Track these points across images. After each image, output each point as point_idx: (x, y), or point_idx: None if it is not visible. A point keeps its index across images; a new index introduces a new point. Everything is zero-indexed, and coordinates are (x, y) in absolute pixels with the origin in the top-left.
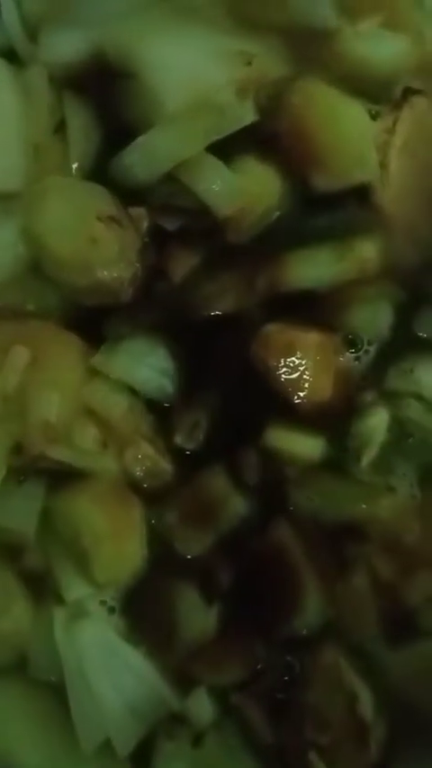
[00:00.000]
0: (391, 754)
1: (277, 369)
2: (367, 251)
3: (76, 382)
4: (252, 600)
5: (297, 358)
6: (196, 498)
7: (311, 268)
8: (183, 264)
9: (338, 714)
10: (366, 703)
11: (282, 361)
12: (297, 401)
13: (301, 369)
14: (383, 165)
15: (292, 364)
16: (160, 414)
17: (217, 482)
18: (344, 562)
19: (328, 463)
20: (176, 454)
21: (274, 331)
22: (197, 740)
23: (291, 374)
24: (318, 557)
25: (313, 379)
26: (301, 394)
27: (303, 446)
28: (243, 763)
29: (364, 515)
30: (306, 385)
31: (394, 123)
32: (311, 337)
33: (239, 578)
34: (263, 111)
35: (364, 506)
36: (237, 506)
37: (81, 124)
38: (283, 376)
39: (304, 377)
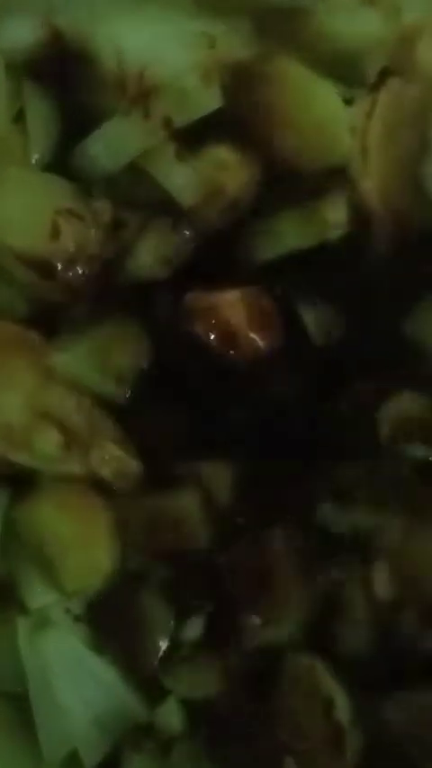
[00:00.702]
0: (367, 764)
1: (207, 335)
2: (334, 213)
3: (36, 383)
4: (228, 608)
5: (221, 318)
6: (162, 511)
7: (276, 237)
8: (145, 259)
9: (314, 720)
10: (343, 709)
11: (209, 325)
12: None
13: (230, 327)
14: (363, 151)
15: (220, 326)
16: (124, 412)
17: (185, 502)
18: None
19: None
20: (147, 455)
21: (192, 300)
22: (166, 749)
23: (224, 337)
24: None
25: (249, 336)
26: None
27: None
28: None
29: None
30: (243, 343)
31: (372, 107)
32: (228, 295)
33: (214, 583)
34: (230, 95)
35: None
36: (200, 531)
37: (41, 113)
38: (216, 341)
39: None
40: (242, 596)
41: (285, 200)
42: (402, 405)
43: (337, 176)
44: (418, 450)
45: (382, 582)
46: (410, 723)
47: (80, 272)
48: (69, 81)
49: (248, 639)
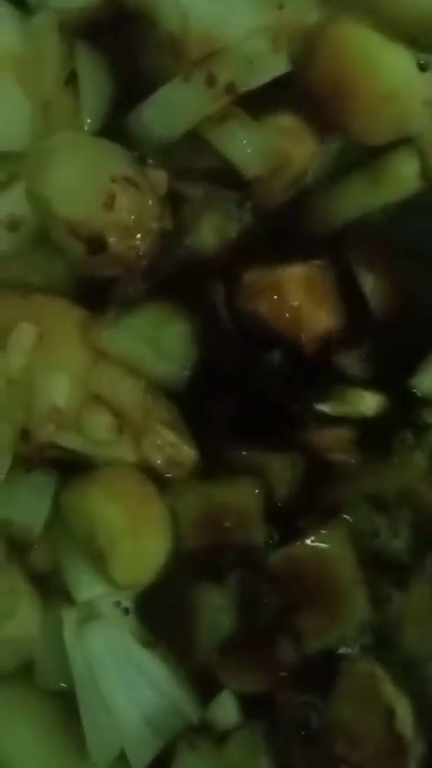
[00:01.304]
0: None
1: (271, 315)
2: (405, 168)
3: (86, 363)
4: (287, 607)
5: (287, 297)
6: (219, 505)
7: (345, 201)
8: (204, 234)
9: (373, 730)
10: (405, 719)
11: (272, 304)
12: (302, 341)
13: (295, 306)
14: None
15: (284, 305)
16: (179, 397)
17: (242, 492)
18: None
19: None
20: (204, 442)
21: (253, 277)
22: (221, 745)
23: (286, 315)
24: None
25: (311, 313)
26: (308, 333)
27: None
28: None
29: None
30: (308, 322)
31: None
32: (293, 270)
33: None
34: (297, 60)
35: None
36: (257, 531)
37: (94, 76)
38: (278, 320)
39: (303, 313)
40: (298, 596)
41: (353, 168)
42: None
43: (406, 147)
44: None
45: None
46: None
47: (134, 246)
48: (125, 42)
49: (300, 640)
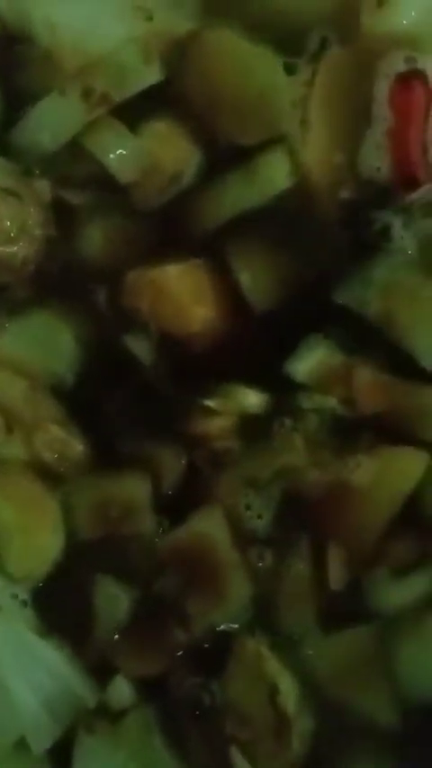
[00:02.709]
0: (323, 750)
1: (153, 314)
2: (275, 169)
3: None
4: (173, 589)
5: (165, 294)
6: (109, 497)
7: (218, 202)
8: (87, 239)
9: (259, 707)
10: (288, 695)
11: (153, 303)
12: (188, 338)
13: (173, 302)
14: (304, 121)
15: (164, 303)
16: (68, 396)
17: (132, 485)
18: (285, 547)
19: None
20: (93, 438)
21: (134, 277)
22: (117, 727)
23: (165, 312)
24: (251, 545)
25: (192, 309)
26: (189, 328)
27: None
28: (163, 753)
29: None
30: (188, 318)
31: (313, 76)
32: (171, 268)
33: (159, 568)
34: (169, 68)
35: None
36: (147, 520)
37: None
38: (161, 318)
39: (183, 311)
40: (184, 580)
41: (226, 170)
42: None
43: (277, 147)
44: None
45: (336, 570)
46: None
47: (19, 253)
48: (6, 62)
49: (189, 622)
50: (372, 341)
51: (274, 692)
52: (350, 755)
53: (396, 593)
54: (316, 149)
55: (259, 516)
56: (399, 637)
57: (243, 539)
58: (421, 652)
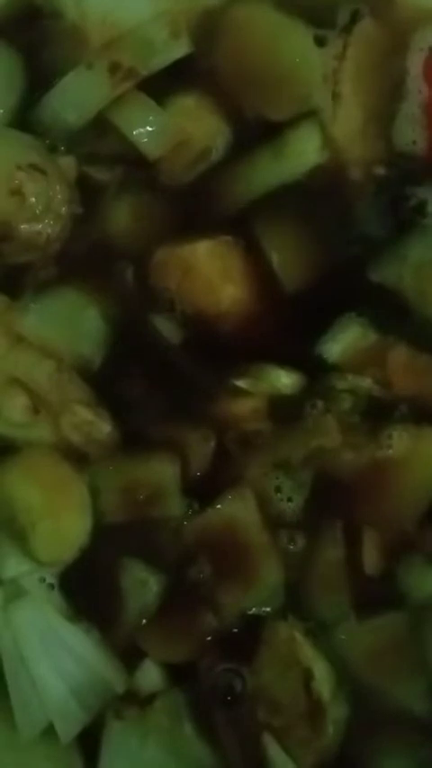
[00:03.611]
0: (356, 737)
1: (182, 292)
2: (306, 143)
3: (2, 347)
4: (202, 573)
5: (195, 273)
6: (137, 480)
7: (249, 179)
8: (116, 216)
9: (293, 693)
10: (322, 681)
11: (181, 281)
12: (217, 318)
13: (205, 282)
14: (335, 95)
15: (193, 281)
16: (95, 377)
17: (161, 468)
18: (316, 532)
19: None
20: (122, 421)
21: (162, 255)
22: (146, 712)
23: (196, 290)
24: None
25: (222, 288)
26: (218, 308)
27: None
28: (193, 739)
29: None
30: (218, 297)
31: (344, 49)
32: (201, 246)
33: (188, 551)
34: (198, 42)
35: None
36: (175, 503)
37: (3, 69)
38: (190, 297)
39: (212, 289)
40: (212, 562)
41: (256, 145)
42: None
43: (308, 121)
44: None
45: (371, 555)
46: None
47: (44, 231)
48: (33, 36)
49: (219, 606)
50: (407, 320)
51: (308, 677)
52: (383, 743)
53: (430, 580)
54: (348, 123)
55: (289, 499)
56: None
57: (273, 522)
58: None
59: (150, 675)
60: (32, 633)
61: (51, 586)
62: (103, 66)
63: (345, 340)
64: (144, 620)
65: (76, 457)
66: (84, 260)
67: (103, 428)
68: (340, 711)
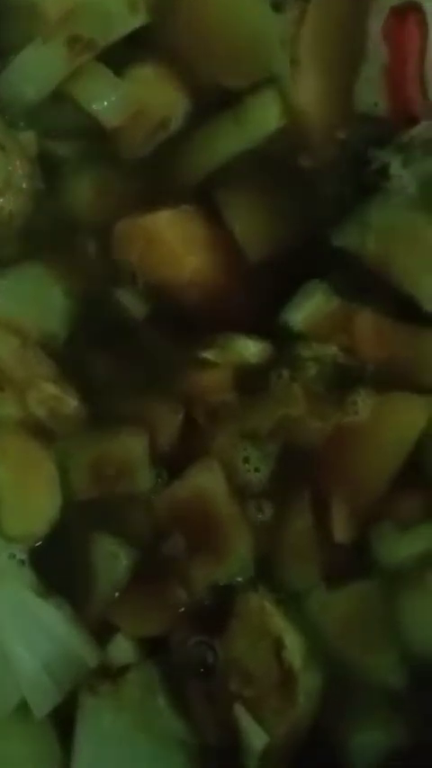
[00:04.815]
0: (329, 707)
1: (144, 264)
2: (267, 107)
3: None
4: (173, 546)
5: (156, 243)
6: (105, 455)
7: (209, 147)
8: (76, 190)
9: (264, 664)
10: (294, 650)
11: (143, 253)
12: (181, 290)
13: (167, 252)
14: (294, 61)
15: (156, 252)
16: (60, 353)
17: (129, 442)
18: (286, 500)
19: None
20: (88, 396)
21: (123, 227)
22: (119, 686)
23: (159, 261)
24: (250, 499)
25: (185, 259)
26: (181, 279)
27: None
28: (167, 712)
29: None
30: (181, 268)
31: (302, 14)
32: (162, 216)
33: (158, 524)
34: (155, 11)
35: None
36: (144, 477)
37: None
38: (152, 268)
39: (175, 259)
40: (182, 535)
41: (215, 114)
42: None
43: (267, 88)
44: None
45: (340, 523)
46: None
47: (5, 207)
48: None
49: (190, 578)
50: (372, 286)
51: (279, 647)
52: (356, 712)
53: (401, 547)
54: (308, 89)
55: (256, 469)
56: (404, 592)
57: (241, 492)
58: (426, 608)
59: (122, 649)
60: (3, 609)
61: (22, 562)
62: (61, 39)
63: (309, 307)
64: (116, 594)
65: (44, 433)
66: (46, 235)
67: (70, 403)
68: (312, 681)
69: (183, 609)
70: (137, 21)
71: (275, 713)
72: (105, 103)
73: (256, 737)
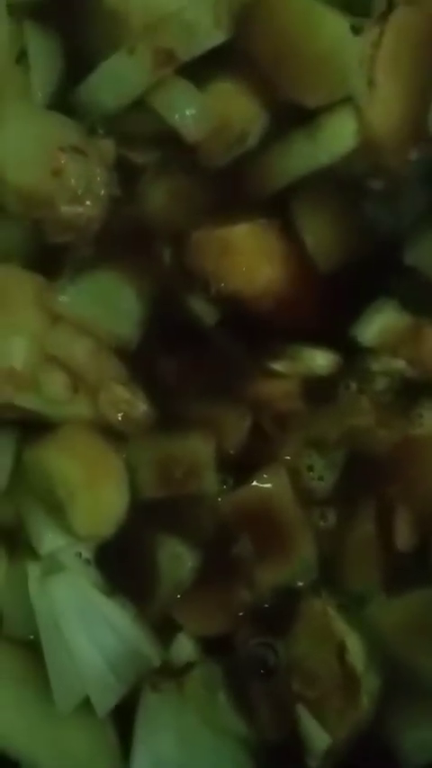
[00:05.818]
0: (386, 709)
1: (218, 273)
2: (342, 126)
3: (42, 325)
4: (237, 549)
5: (232, 254)
6: (173, 457)
7: (284, 163)
8: (153, 198)
9: (327, 666)
10: (356, 653)
11: (219, 262)
12: (253, 299)
13: (242, 262)
14: (370, 82)
15: (231, 262)
16: (132, 356)
17: (196, 445)
18: (350, 508)
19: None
20: (158, 399)
21: (201, 236)
22: (182, 684)
23: (233, 271)
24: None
25: (258, 269)
26: (254, 289)
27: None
28: (228, 711)
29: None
30: (254, 278)
31: (380, 36)
32: (239, 228)
33: (223, 527)
34: (237, 27)
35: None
36: (211, 480)
37: (43, 52)
38: (226, 277)
39: (249, 270)
40: (248, 539)
41: (292, 130)
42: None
43: (343, 107)
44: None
45: (403, 531)
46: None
47: (84, 212)
48: (72, 19)
49: (254, 580)
50: None
51: (341, 650)
52: (415, 715)
53: None
54: (383, 109)
55: (320, 478)
56: None
57: (305, 499)
58: None
59: (185, 649)
60: (70, 607)
61: (88, 561)
62: (145, 51)
63: (379, 322)
64: (179, 595)
65: (114, 434)
66: (122, 241)
67: (140, 406)
68: (374, 683)
69: (245, 610)
70: (220, 35)
71: (338, 715)
72: (187, 117)
73: (318, 738)
